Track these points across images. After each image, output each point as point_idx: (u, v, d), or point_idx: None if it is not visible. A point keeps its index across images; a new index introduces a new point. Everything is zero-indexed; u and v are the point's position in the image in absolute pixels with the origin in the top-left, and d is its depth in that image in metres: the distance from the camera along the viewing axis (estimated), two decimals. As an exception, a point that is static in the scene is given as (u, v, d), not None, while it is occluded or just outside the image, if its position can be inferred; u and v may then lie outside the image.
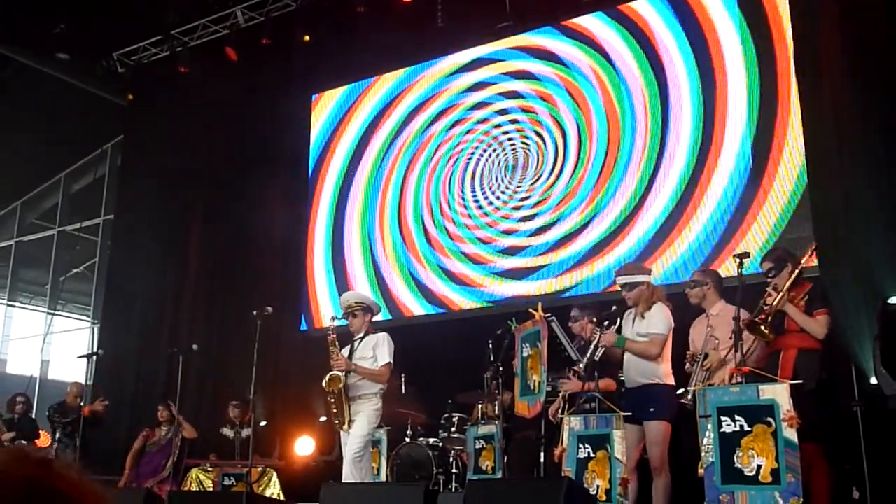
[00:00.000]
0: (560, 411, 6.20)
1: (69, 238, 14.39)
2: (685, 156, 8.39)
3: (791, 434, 4.66)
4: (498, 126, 9.84)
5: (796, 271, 5.46)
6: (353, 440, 6.20)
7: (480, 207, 9.73)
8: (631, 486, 5.52)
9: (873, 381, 6.18)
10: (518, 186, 9.49)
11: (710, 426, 4.95)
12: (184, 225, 11.48)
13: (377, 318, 7.05)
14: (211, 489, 8.34)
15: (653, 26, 8.88)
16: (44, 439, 9.91)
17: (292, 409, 9.92)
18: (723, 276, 6.34)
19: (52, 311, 15.14)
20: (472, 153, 9.95)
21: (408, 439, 8.16)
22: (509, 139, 9.71)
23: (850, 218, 7.10)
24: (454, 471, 7.85)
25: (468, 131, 10.05)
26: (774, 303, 5.31)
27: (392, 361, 6.40)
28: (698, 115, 8.40)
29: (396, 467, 8.00)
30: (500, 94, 9.91)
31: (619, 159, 8.80)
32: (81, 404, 9.28)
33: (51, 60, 11.77)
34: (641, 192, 8.57)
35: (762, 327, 5.32)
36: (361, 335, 6.53)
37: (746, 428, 4.82)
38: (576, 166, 9.09)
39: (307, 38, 10.35)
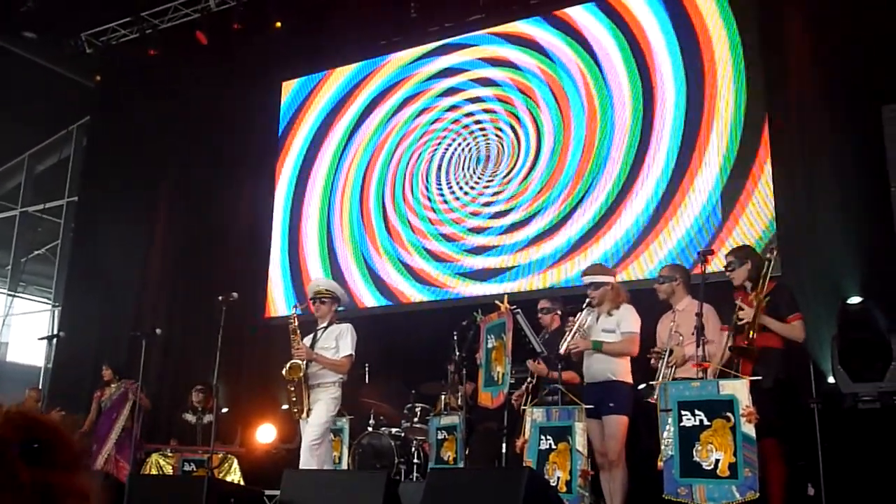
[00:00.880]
0: (524, 402, 6.24)
1: (32, 219, 14.18)
2: (663, 162, 8.29)
3: (749, 429, 4.73)
4: (470, 115, 9.62)
5: (765, 282, 5.47)
6: (310, 428, 6.21)
7: (446, 202, 9.54)
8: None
9: (831, 379, 6.30)
10: (489, 181, 9.28)
11: (670, 420, 5.02)
12: (149, 208, 11.37)
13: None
14: (171, 474, 8.29)
15: (642, 21, 8.67)
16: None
17: (254, 396, 9.89)
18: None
19: (12, 293, 14.93)
20: (440, 143, 9.77)
21: (370, 429, 8.17)
22: (482, 129, 9.51)
23: (810, 219, 7.23)
24: (416, 461, 7.87)
25: (436, 119, 9.86)
26: (752, 319, 5.32)
27: (354, 353, 6.41)
28: (681, 118, 8.24)
29: (358, 456, 8.01)
30: (473, 80, 9.70)
31: (596, 157, 8.62)
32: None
33: (17, 39, 11.57)
34: (618, 192, 8.43)
35: (748, 347, 5.30)
36: (325, 324, 6.52)
37: (706, 422, 4.89)
38: (547, 164, 8.92)
39: (279, 24, 10.30)
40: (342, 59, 10.81)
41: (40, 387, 11.30)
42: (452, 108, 9.82)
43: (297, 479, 5.88)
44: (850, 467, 5.91)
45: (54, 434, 1.32)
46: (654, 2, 8.69)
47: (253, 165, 11.16)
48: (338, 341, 6.39)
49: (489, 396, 6.39)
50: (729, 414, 4.82)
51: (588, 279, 6.09)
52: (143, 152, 11.31)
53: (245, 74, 10.93)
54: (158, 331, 8.46)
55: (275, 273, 10.67)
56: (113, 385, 8.78)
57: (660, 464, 5.03)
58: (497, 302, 6.45)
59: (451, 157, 9.67)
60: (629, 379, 5.90)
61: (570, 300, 6.95)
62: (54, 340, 9.91)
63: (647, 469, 5.39)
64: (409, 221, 9.78)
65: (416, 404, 8.00)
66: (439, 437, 7.22)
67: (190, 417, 8.98)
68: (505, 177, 9.22)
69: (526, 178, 9.07)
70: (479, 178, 9.40)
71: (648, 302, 6.13)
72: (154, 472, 8.23)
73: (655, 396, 5.37)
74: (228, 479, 8.22)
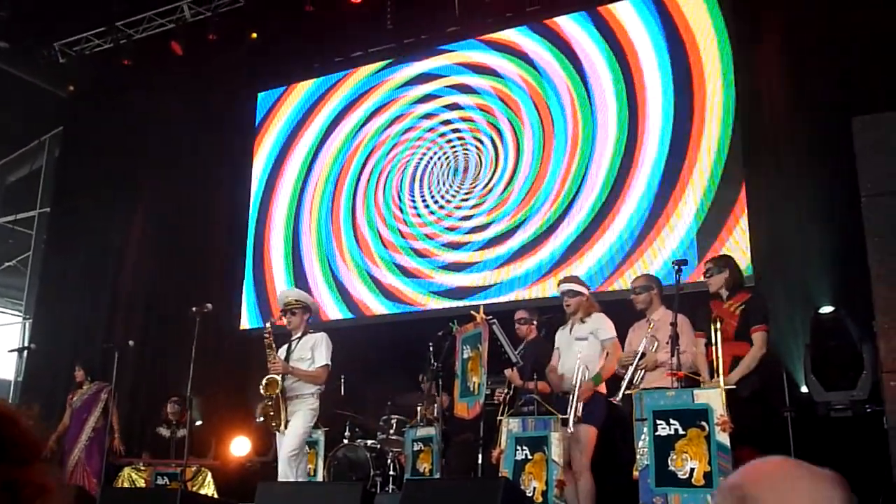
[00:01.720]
0: (500, 413, 6.26)
1: (2, 231, 14.01)
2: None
3: (724, 438, 4.76)
4: (443, 135, 9.55)
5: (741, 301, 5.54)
6: (288, 439, 6.15)
7: (419, 215, 9.45)
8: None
9: (804, 388, 6.36)
10: (468, 193, 9.18)
11: (645, 429, 5.04)
12: (122, 219, 11.27)
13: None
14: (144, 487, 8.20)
15: (632, 35, 8.61)
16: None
17: (228, 408, 9.81)
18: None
19: (-18, 306, 14.74)
20: (414, 152, 9.67)
21: (346, 441, 8.13)
22: (452, 147, 9.44)
23: (783, 229, 7.29)
24: (392, 473, 7.83)
25: (410, 128, 9.80)
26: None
27: (330, 363, 6.36)
28: (667, 136, 8.21)
29: (334, 468, 7.96)
30: (450, 86, 9.61)
31: (578, 169, 8.58)
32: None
33: (-11, 48, 11.47)
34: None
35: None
36: (299, 335, 6.48)
37: (681, 431, 4.92)
38: (527, 177, 8.86)
39: (254, 35, 10.28)
40: (318, 71, 10.80)
41: (10, 401, 11.16)
42: (428, 115, 9.73)
43: (271, 491, 5.84)
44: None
45: (12, 427, 1.29)
46: (647, 17, 8.57)
47: (228, 176, 11.10)
48: (313, 352, 6.35)
49: (465, 407, 6.38)
50: (704, 423, 4.84)
51: (566, 286, 6.26)
52: (115, 162, 11.22)
53: (220, 85, 10.89)
54: (131, 343, 8.38)
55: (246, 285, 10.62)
56: (85, 385, 8.69)
57: (635, 473, 5.05)
58: (473, 312, 6.45)
59: (427, 168, 9.57)
60: (603, 390, 5.96)
61: (546, 311, 6.98)
62: (25, 353, 9.77)
63: (622, 478, 5.39)
64: (380, 234, 9.66)
65: (392, 416, 7.97)
66: (415, 448, 7.19)
67: (164, 431, 8.89)
68: (485, 187, 9.10)
69: (505, 189, 8.97)
70: (456, 190, 9.29)
71: (628, 314, 6.20)
72: (126, 485, 8.14)
73: (619, 398, 5.44)
74: (202, 492, 8.14)
